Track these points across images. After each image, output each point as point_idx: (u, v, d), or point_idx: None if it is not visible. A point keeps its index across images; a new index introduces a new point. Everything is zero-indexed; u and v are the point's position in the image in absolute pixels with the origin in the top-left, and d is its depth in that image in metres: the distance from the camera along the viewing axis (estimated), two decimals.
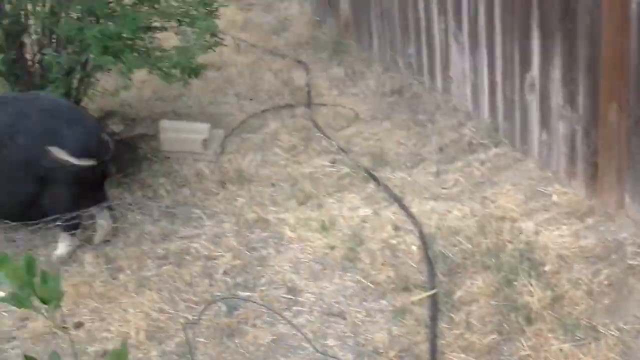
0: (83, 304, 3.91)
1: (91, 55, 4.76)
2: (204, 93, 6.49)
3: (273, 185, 5.00)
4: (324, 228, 4.42)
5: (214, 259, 4.23)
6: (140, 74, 5.67)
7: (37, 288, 1.60)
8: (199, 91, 6.43)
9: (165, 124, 5.41)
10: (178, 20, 4.98)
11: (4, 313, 3.92)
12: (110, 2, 4.87)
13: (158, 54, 4.87)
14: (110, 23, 4.62)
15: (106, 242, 4.44)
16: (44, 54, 4.76)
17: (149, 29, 5.05)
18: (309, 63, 7.11)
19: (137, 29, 4.68)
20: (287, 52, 7.45)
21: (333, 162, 5.17)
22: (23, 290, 1.59)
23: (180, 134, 5.31)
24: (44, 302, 1.63)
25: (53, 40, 5.04)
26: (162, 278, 4.07)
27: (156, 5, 4.93)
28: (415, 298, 3.73)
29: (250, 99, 6.41)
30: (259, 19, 8.40)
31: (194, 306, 3.84)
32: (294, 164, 5.24)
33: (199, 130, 5.34)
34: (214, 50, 5.21)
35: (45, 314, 1.70)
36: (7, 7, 4.82)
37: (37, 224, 4.49)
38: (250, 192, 4.89)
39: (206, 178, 5.07)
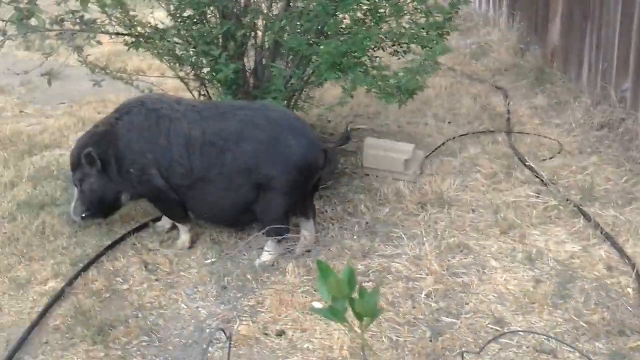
0: (285, 313, 3.91)
1: (309, 70, 4.85)
2: (401, 113, 6.46)
3: (473, 210, 4.87)
4: (529, 260, 4.25)
5: (416, 281, 4.14)
6: (337, 90, 5.70)
7: (355, 302, 1.55)
8: (397, 111, 6.39)
9: (369, 141, 5.40)
10: (406, 42, 4.98)
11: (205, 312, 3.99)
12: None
13: (375, 72, 4.85)
14: (338, 41, 4.66)
15: (307, 252, 4.45)
16: (273, 66, 4.86)
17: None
18: (509, 90, 6.98)
19: (366, 48, 4.70)
20: (486, 78, 7.35)
21: (538, 192, 4.98)
22: (339, 303, 1.54)
23: (384, 152, 5.27)
24: (359, 317, 1.57)
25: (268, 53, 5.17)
26: None
27: (382, 25, 4.93)
28: (634, 344, 3.48)
29: (449, 122, 6.33)
30: (457, 43, 8.32)
31: (397, 327, 3.75)
32: (494, 191, 5.10)
33: (403, 150, 5.28)
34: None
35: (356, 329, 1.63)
36: (245, 20, 4.95)
37: (243, 228, 4.60)
38: (450, 216, 4.78)
39: (406, 198, 5.00)
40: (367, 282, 4.14)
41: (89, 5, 5.04)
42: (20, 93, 7.74)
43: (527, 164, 5.33)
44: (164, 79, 6.14)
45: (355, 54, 4.72)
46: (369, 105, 6.85)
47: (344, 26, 4.92)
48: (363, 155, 5.36)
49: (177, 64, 5.13)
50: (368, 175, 5.35)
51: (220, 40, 4.86)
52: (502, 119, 6.31)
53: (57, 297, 4.05)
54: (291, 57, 5.10)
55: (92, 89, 5.28)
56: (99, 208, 4.56)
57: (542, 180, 5.10)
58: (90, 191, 4.48)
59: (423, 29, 4.90)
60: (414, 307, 3.92)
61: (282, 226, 4.27)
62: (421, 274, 4.19)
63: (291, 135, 4.18)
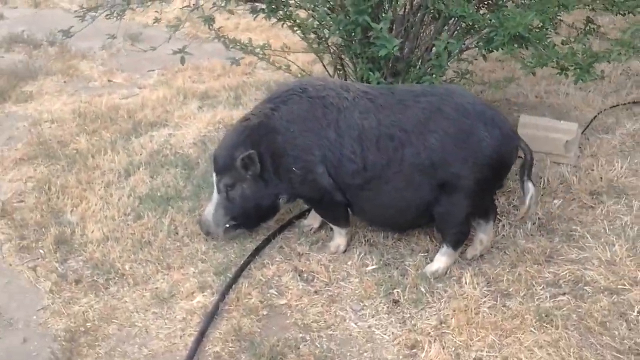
0: (476, 336, 3.38)
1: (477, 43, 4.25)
2: (535, 79, 5.84)
3: None
4: None
5: (620, 294, 3.58)
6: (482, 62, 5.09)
7: None
8: (529, 77, 5.75)
9: (524, 119, 4.78)
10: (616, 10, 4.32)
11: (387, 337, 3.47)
12: None
13: (565, 48, 4.23)
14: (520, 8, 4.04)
15: (480, 257, 3.90)
16: (438, 39, 4.22)
17: None
18: None
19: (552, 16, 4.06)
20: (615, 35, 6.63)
21: None
22: None
23: (542, 132, 4.67)
24: None
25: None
26: (564, 312, 3.47)
27: None
28: None
29: (589, 92, 5.69)
30: None
31: (619, 356, 3.20)
32: None
33: (564, 129, 4.68)
34: None
35: None
36: None
37: (404, 230, 4.05)
38: (631, 209, 4.21)
39: (574, 187, 4.43)
40: (562, 295, 3.60)
41: None
42: (103, 58, 7.20)
43: None
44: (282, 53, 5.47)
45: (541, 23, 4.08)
46: (494, 70, 6.23)
47: None
48: None
49: (315, 36, 4.52)
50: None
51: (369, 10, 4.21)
52: None
53: (212, 317, 3.53)
54: (445, 27, 4.47)
55: (179, 53, 4.57)
56: (252, 218, 3.94)
57: None
58: (243, 198, 3.84)
59: None
60: (629, 329, 3.37)
61: (463, 231, 3.72)
62: (624, 285, 3.63)
63: (483, 127, 3.55)
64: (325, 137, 3.64)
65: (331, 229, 4.06)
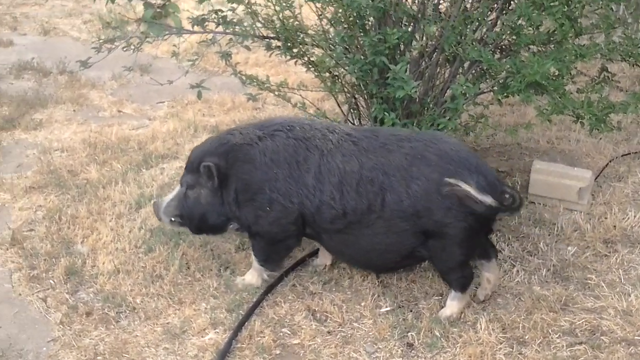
0: None
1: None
2: (545, 125, 5.82)
3: None
4: None
5: (637, 345, 3.55)
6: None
7: None
8: (539, 122, 5.75)
9: (538, 165, 4.78)
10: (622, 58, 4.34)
11: None
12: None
13: (581, 96, 4.25)
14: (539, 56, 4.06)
15: (495, 302, 3.87)
16: (454, 83, 4.23)
17: None
18: None
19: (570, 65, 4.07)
20: (626, 85, 6.67)
21: None
22: None
23: (556, 179, 4.66)
24: None
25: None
26: None
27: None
28: None
29: (600, 139, 5.69)
30: None
31: None
32: None
33: (578, 177, 4.66)
34: None
35: None
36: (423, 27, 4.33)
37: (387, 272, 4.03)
38: None
39: (588, 234, 4.41)
40: (579, 344, 3.56)
41: (233, 5, 4.45)
42: (112, 88, 7.18)
43: None
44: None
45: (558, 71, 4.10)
46: (504, 114, 6.24)
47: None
48: (530, 181, 4.75)
49: (329, 75, 4.52)
50: (533, 203, 4.75)
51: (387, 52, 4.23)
52: None
53: (224, 355, 3.49)
54: (460, 70, 4.48)
55: (188, 85, 4.58)
56: (196, 223, 3.90)
57: None
58: (195, 203, 3.83)
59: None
60: None
61: (465, 275, 3.70)
62: None
63: (468, 174, 3.49)
64: (303, 185, 3.62)
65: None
